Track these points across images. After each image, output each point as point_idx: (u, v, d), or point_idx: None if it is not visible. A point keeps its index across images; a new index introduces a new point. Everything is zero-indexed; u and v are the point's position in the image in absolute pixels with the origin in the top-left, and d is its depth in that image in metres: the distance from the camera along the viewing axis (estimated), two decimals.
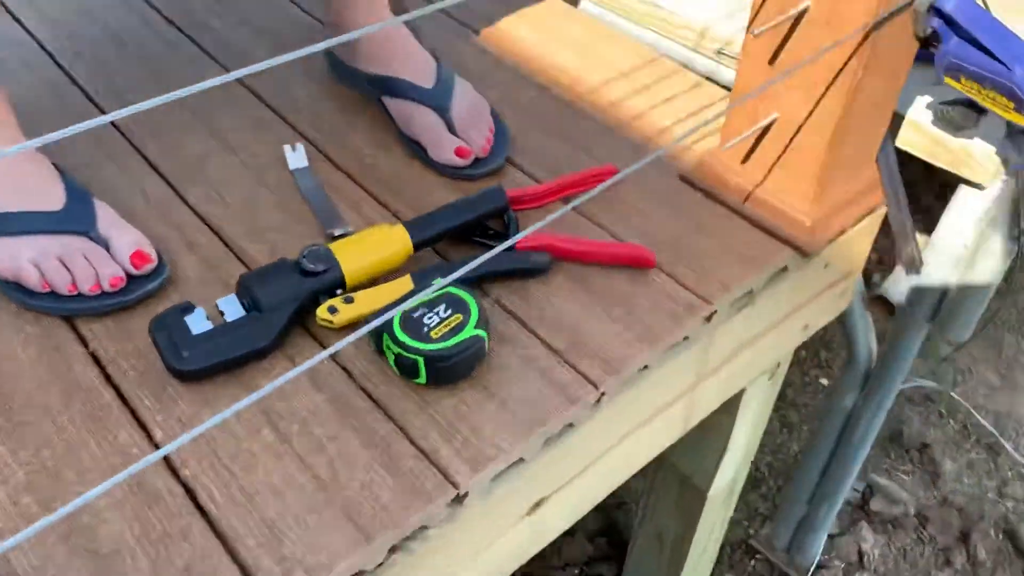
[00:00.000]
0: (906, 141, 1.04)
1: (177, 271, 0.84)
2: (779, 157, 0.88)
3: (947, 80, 0.84)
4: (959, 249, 1.08)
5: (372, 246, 0.81)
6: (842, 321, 1.20)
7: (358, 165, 0.97)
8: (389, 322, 0.73)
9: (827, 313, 1.06)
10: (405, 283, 0.80)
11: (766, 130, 0.88)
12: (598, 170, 0.96)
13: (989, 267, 1.09)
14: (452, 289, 0.76)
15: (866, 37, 0.76)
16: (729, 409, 1.07)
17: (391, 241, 0.81)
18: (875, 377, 1.30)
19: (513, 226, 0.89)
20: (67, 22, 1.16)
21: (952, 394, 1.91)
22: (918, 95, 1.01)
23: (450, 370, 0.73)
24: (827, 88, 0.81)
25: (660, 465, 1.28)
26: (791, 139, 0.86)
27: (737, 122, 0.91)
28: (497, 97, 1.07)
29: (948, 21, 0.78)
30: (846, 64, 0.78)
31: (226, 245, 0.87)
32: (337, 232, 0.87)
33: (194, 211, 0.90)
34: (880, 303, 1.23)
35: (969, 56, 0.79)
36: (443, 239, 0.85)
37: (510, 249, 0.85)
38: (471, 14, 1.22)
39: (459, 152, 0.94)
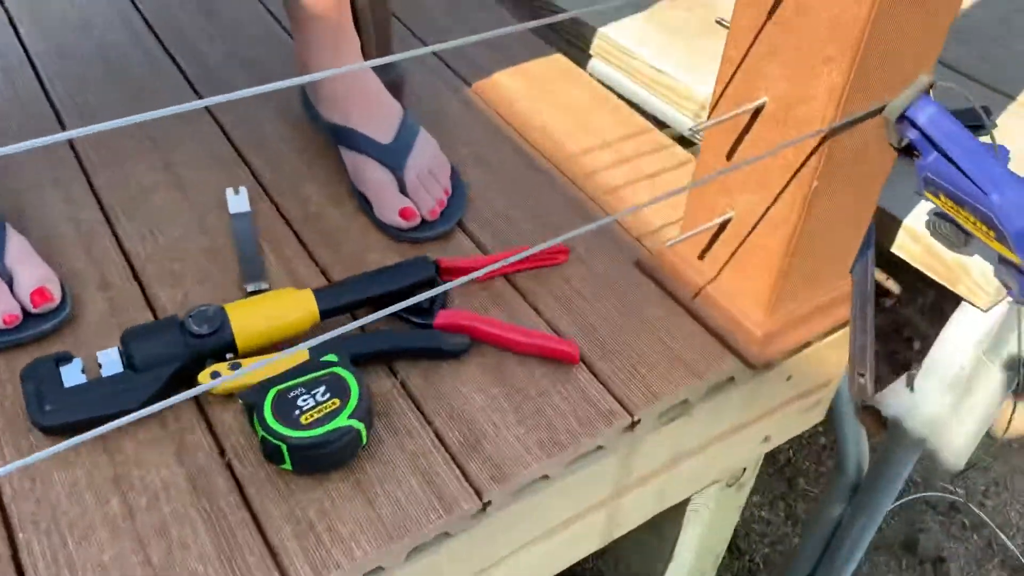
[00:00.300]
0: (901, 246, 0.94)
1: (82, 313, 0.81)
2: (731, 256, 0.80)
3: (927, 195, 0.75)
4: (955, 370, 0.98)
5: (272, 310, 0.76)
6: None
7: (303, 215, 0.93)
8: (262, 400, 0.68)
9: (794, 426, 0.97)
10: (300, 355, 0.75)
11: (724, 227, 0.81)
12: (551, 249, 0.89)
13: (988, 394, 0.98)
14: (338, 370, 0.71)
15: (823, 141, 0.68)
16: (673, 517, 0.99)
17: (294, 307, 0.76)
18: (864, 490, 1.19)
19: (439, 301, 0.83)
20: (62, 35, 1.16)
21: (973, 507, 1.76)
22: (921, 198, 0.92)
23: (316, 461, 0.67)
24: (781, 191, 0.73)
25: (615, 563, 1.20)
26: (744, 239, 0.78)
27: (695, 214, 0.83)
28: (468, 154, 1.02)
29: (923, 133, 0.70)
30: (801, 167, 0.70)
31: (141, 289, 0.84)
32: (251, 288, 0.83)
33: (120, 247, 0.88)
34: (874, 414, 1.13)
35: (946, 174, 0.70)
36: (358, 308, 0.80)
37: (427, 326, 0.80)
38: (467, 63, 1.17)
39: (403, 213, 0.89)
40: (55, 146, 0.99)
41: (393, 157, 0.92)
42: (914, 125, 0.69)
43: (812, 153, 0.69)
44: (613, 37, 1.18)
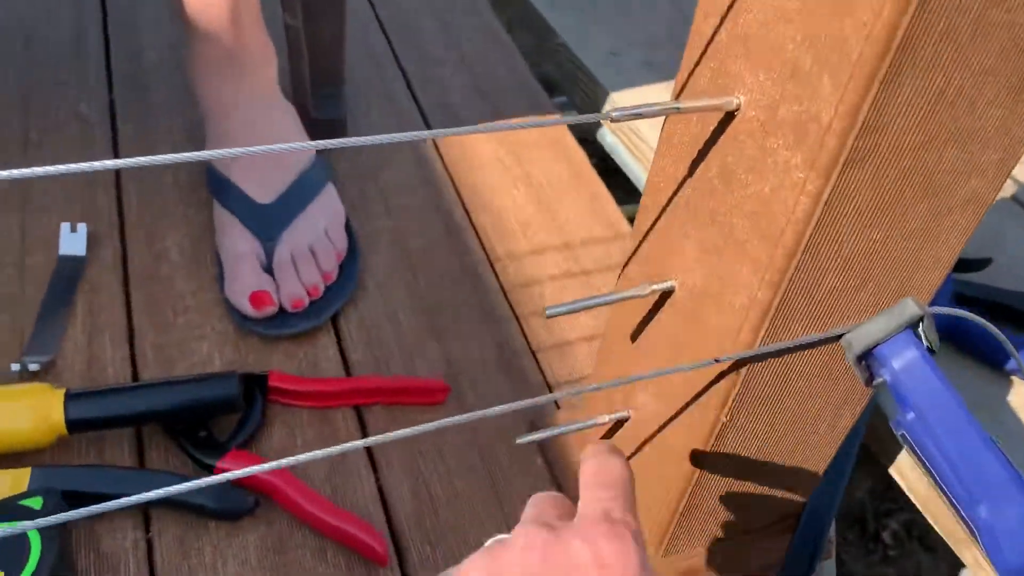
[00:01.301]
0: (901, 473, 0.70)
1: None
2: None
3: (907, 453, 0.51)
4: None
5: (4, 409, 0.58)
6: None
7: (148, 273, 0.75)
8: None
9: None
10: (20, 478, 0.57)
11: (620, 424, 0.58)
12: (425, 384, 0.68)
13: None
14: (32, 533, 0.52)
15: (735, 368, 0.45)
16: None
17: (33, 411, 0.58)
18: None
19: (245, 433, 0.63)
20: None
21: None
22: None
23: None
24: (681, 410, 0.50)
25: None
26: (639, 448, 0.56)
27: (599, 397, 0.61)
28: (388, 227, 0.82)
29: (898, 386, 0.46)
30: (703, 392, 0.48)
31: None
32: (30, 363, 0.65)
33: None
34: None
35: (927, 449, 0.46)
36: (121, 426, 0.62)
37: (208, 470, 0.61)
38: (441, 107, 0.97)
39: (255, 299, 0.70)
40: None
41: (264, 223, 0.73)
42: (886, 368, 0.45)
43: (718, 379, 0.46)
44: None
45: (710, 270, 0.44)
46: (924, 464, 0.47)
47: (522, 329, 0.76)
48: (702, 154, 0.43)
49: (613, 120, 0.37)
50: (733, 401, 0.46)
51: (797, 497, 0.58)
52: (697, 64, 0.42)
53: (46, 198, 0.79)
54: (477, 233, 0.84)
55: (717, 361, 0.43)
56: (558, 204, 0.88)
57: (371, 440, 0.38)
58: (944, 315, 0.47)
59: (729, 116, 0.41)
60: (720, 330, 0.45)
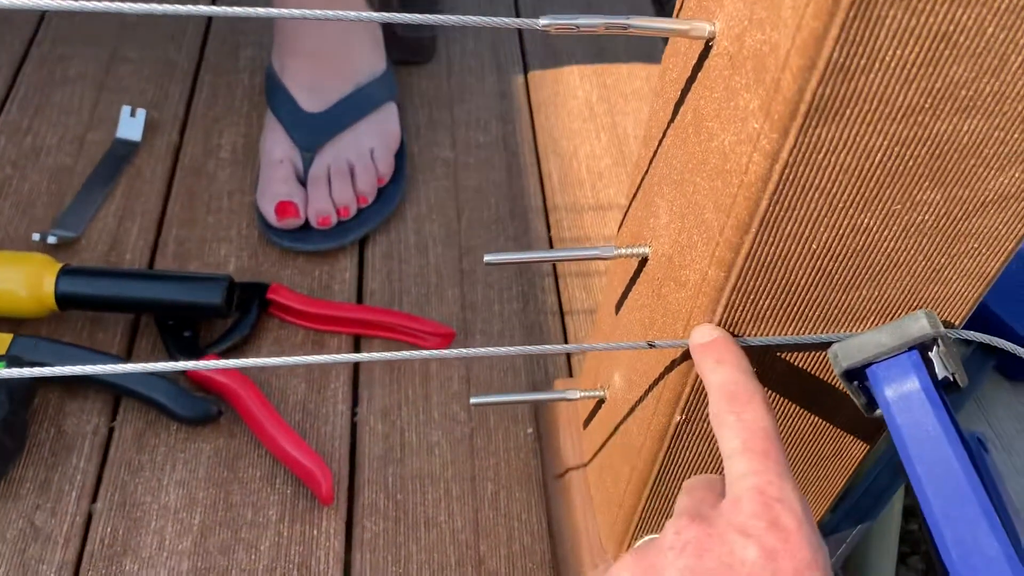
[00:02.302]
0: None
1: None
2: (600, 448, 0.51)
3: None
4: None
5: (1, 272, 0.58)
6: None
7: (193, 166, 0.74)
8: None
9: None
10: (0, 342, 0.57)
11: (600, 404, 0.51)
12: (430, 326, 0.64)
13: None
14: None
15: (684, 359, 0.37)
16: None
17: (28, 279, 0.58)
18: None
19: (227, 341, 0.61)
20: None
21: None
22: None
23: None
24: (641, 398, 0.43)
25: None
26: (610, 436, 0.49)
27: (589, 370, 0.54)
28: (448, 161, 0.77)
29: (891, 417, 0.37)
30: (656, 383, 0.40)
31: None
32: (52, 238, 0.66)
33: None
34: None
35: (921, 497, 0.37)
36: (107, 310, 0.61)
37: (182, 371, 0.59)
38: (541, 39, 0.91)
39: (280, 209, 0.67)
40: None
41: (307, 132, 0.70)
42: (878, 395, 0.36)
43: (669, 370, 0.39)
44: None
45: (675, 237, 0.37)
46: (919, 511, 0.38)
47: (557, 288, 0.69)
48: (683, 94, 0.36)
49: (543, 28, 0.31)
50: (687, 399, 0.39)
51: None
52: None
53: (124, 81, 0.80)
54: (541, 179, 0.77)
55: (651, 346, 0.36)
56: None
57: (332, 358, 0.34)
58: None
59: (708, 48, 0.33)
60: (676, 310, 0.37)
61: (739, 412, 0.32)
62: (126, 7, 0.28)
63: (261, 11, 0.28)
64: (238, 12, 0.29)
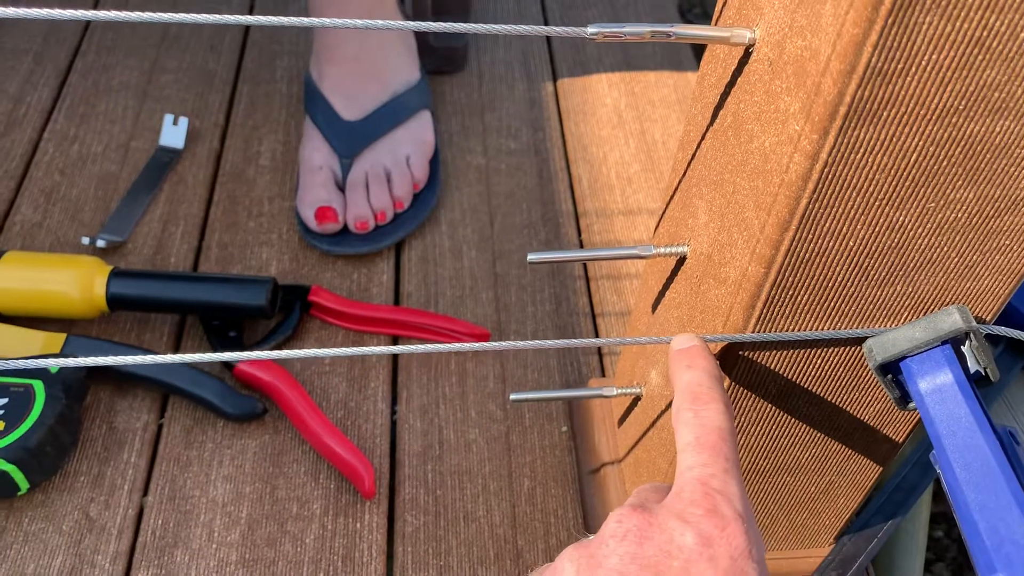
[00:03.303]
0: None
1: None
2: (635, 444, 0.53)
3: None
4: None
5: (48, 276, 0.61)
6: None
7: (232, 174, 0.76)
8: None
9: None
10: (54, 341, 0.59)
11: (636, 401, 0.53)
12: (465, 327, 0.65)
13: None
14: (38, 385, 0.54)
15: (728, 351, 0.39)
16: None
17: (75, 281, 0.61)
18: None
19: (270, 341, 0.63)
20: None
21: None
22: None
23: None
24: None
25: None
26: (646, 431, 0.50)
27: (624, 369, 0.56)
28: (481, 167, 0.79)
29: (925, 410, 0.38)
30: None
31: (13, 195, 0.72)
32: (101, 241, 0.68)
33: (36, 142, 0.77)
34: None
35: (951, 490, 0.38)
36: (157, 311, 0.63)
37: (228, 369, 0.61)
38: (570, 47, 0.92)
39: (320, 214, 0.69)
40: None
41: (345, 140, 0.72)
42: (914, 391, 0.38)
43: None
44: None
45: (714, 236, 0.38)
46: (950, 504, 0.39)
47: (588, 290, 0.71)
48: (723, 99, 0.37)
49: (590, 37, 0.32)
50: (728, 394, 0.40)
51: (820, 528, 0.51)
52: None
53: (166, 89, 0.82)
54: (571, 184, 0.79)
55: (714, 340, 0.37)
56: (667, 166, 0.81)
57: (371, 350, 0.35)
58: None
59: (748, 54, 0.34)
60: (716, 306, 0.38)
61: (698, 410, 0.33)
62: (167, 17, 0.29)
63: (298, 20, 0.30)
64: (274, 21, 0.30)
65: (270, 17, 0.31)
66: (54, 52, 0.85)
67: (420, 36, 0.82)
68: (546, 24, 0.96)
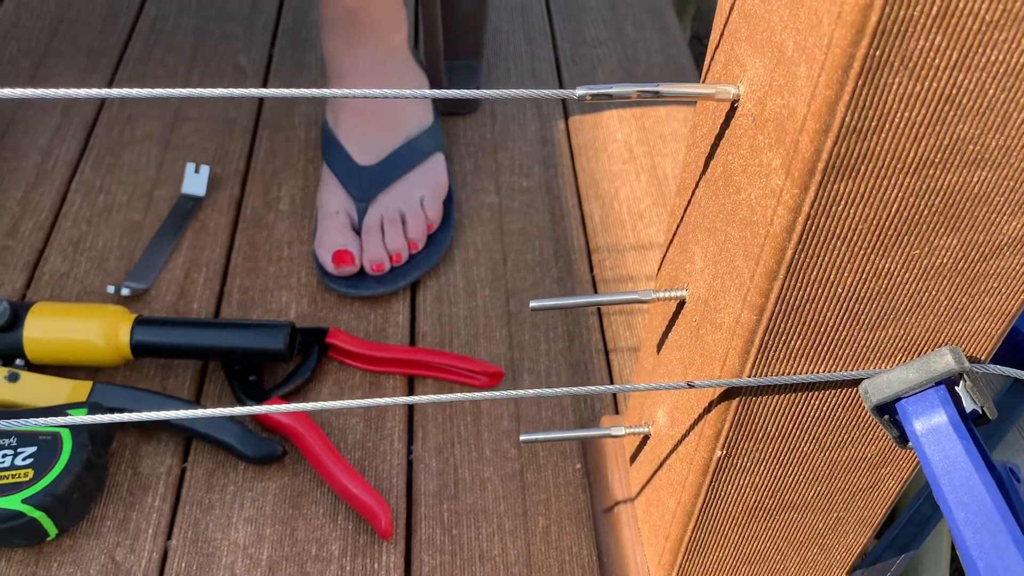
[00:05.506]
0: None
1: None
2: (647, 483, 0.53)
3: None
4: None
5: (74, 325, 0.63)
6: None
7: (252, 220, 0.78)
8: None
9: None
10: (81, 389, 0.61)
11: (646, 440, 0.54)
12: (480, 366, 0.67)
13: None
14: (65, 433, 0.56)
15: (726, 397, 0.40)
16: None
17: (102, 330, 0.63)
18: None
19: (290, 384, 0.65)
20: None
21: None
22: None
23: None
24: (685, 435, 0.45)
25: None
26: (656, 471, 0.51)
27: (634, 407, 0.56)
28: (493, 206, 0.80)
29: (921, 449, 0.38)
30: (698, 421, 0.42)
31: (42, 246, 0.75)
32: (126, 290, 0.70)
33: (63, 194, 0.79)
34: None
35: (953, 528, 0.39)
36: (179, 357, 0.65)
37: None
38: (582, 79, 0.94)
39: (337, 257, 0.71)
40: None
41: (361, 184, 0.74)
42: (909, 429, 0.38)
43: (709, 408, 0.41)
44: None
45: (709, 282, 0.39)
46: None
47: (601, 326, 0.72)
48: (713, 149, 0.38)
49: (579, 99, 0.34)
50: (727, 435, 0.41)
51: (831, 563, 0.51)
52: (716, 47, 0.37)
53: (187, 139, 0.85)
54: (583, 220, 0.80)
55: (691, 386, 0.38)
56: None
57: (388, 401, 0.37)
58: None
59: (733, 109, 0.35)
60: (713, 350, 0.39)
61: None
62: (177, 93, 0.31)
63: (311, 92, 0.31)
64: (288, 93, 0.32)
65: (283, 90, 0.32)
66: (81, 104, 0.88)
67: (433, 79, 0.84)
68: (557, 63, 0.98)
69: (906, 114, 0.28)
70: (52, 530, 0.55)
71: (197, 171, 0.80)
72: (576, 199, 0.82)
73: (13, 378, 0.62)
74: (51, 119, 0.86)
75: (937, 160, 0.30)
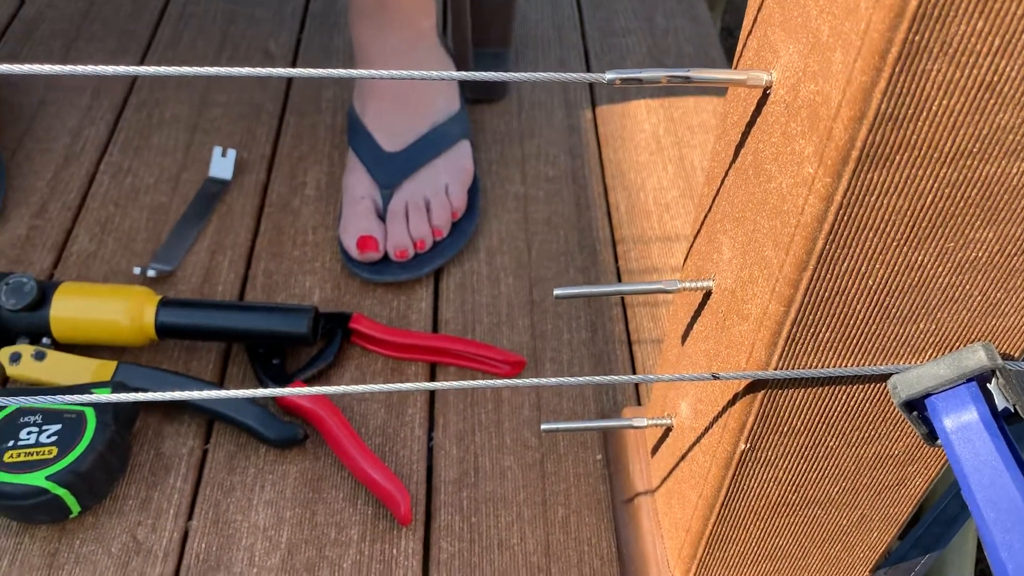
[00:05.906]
0: None
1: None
2: (668, 474, 0.53)
3: None
4: None
5: (100, 305, 0.63)
6: None
7: (278, 204, 0.78)
8: None
9: None
10: (105, 368, 0.62)
11: (668, 432, 0.53)
12: (502, 354, 0.66)
13: None
14: (89, 412, 0.57)
15: (751, 390, 0.39)
16: None
17: (127, 311, 0.63)
18: None
19: (312, 368, 0.65)
20: None
21: None
22: None
23: None
24: (706, 429, 0.45)
25: None
26: (678, 463, 0.51)
27: (656, 399, 0.56)
28: (519, 195, 0.80)
29: (951, 448, 0.38)
30: (721, 414, 0.42)
31: (69, 227, 0.75)
32: (151, 271, 0.71)
33: (91, 176, 0.80)
34: None
35: (982, 528, 0.38)
36: (203, 339, 0.65)
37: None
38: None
39: (361, 243, 0.71)
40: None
41: (386, 171, 0.74)
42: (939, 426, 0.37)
43: (734, 400, 0.40)
44: None
45: (737, 272, 0.39)
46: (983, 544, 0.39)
47: (625, 317, 0.71)
48: (744, 137, 0.38)
49: (608, 83, 0.33)
50: (752, 428, 0.40)
51: (854, 561, 0.50)
52: (749, 33, 0.37)
53: (215, 123, 0.85)
54: (609, 211, 0.80)
55: (716, 378, 0.38)
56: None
57: (409, 386, 0.36)
58: None
59: (765, 96, 0.35)
60: (739, 342, 0.39)
61: None
62: (211, 71, 0.31)
63: (340, 72, 0.31)
64: (317, 73, 0.32)
65: (310, 70, 0.32)
66: (110, 87, 0.88)
67: (461, 66, 0.84)
68: (586, 52, 0.97)
69: (944, 102, 0.28)
70: (75, 507, 0.55)
71: (224, 155, 0.80)
72: (602, 189, 0.82)
73: (40, 356, 0.62)
74: (81, 101, 0.87)
75: (975, 150, 0.29)
